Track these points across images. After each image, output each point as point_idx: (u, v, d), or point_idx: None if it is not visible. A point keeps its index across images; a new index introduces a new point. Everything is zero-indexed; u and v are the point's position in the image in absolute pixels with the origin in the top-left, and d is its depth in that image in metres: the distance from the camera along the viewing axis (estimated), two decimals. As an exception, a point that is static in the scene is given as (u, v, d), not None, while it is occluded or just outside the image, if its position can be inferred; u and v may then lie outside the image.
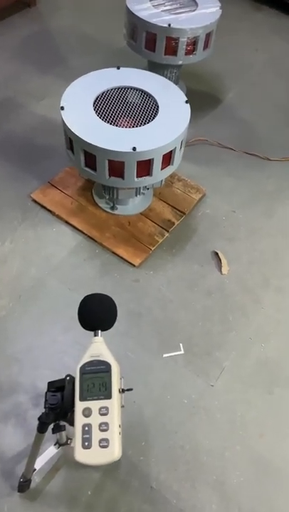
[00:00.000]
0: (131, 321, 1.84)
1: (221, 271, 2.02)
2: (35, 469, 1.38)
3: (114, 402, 0.77)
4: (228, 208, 2.28)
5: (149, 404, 1.60)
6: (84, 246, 2.08)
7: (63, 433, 1.38)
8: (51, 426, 1.11)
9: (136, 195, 2.13)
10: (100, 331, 0.91)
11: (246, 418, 1.63)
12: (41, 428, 1.14)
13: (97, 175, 1.79)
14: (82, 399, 0.78)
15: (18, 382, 1.65)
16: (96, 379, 0.80)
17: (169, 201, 2.24)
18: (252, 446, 1.57)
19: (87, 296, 0.96)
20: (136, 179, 1.78)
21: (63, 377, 0.95)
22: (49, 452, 1.42)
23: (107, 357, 0.84)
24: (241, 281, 2.01)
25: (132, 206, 2.19)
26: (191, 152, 2.46)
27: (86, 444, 0.73)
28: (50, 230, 2.12)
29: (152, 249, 2.06)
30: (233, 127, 2.69)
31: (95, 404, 0.77)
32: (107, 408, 0.76)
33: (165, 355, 1.75)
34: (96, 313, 0.94)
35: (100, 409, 0.76)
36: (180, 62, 2.39)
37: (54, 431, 1.17)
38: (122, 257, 2.03)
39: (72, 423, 1.12)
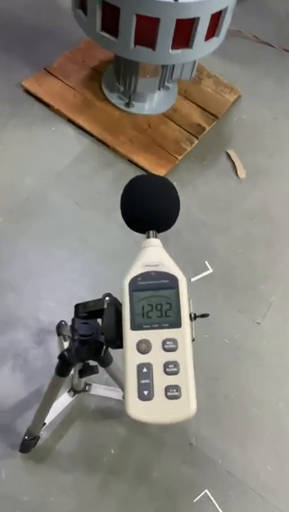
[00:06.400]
0: (155, 245, 1.47)
1: (237, 175, 1.64)
2: (44, 424, 1.05)
3: (186, 332, 0.52)
4: (269, 115, 1.86)
5: (181, 345, 1.28)
6: (93, 152, 1.64)
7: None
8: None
9: (159, 89, 1.67)
10: (155, 232, 0.59)
11: (300, 362, 1.34)
12: (62, 369, 0.81)
13: (118, 42, 1.32)
14: (135, 327, 0.52)
15: (16, 315, 1.28)
16: (156, 299, 0.54)
17: (198, 101, 1.79)
18: (309, 395, 1.28)
19: (140, 177, 0.61)
20: (171, 51, 1.32)
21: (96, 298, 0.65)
22: (62, 401, 1.09)
23: (171, 267, 0.55)
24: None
25: (153, 104, 1.73)
26: (222, 45, 1.97)
27: (145, 393, 0.50)
28: (48, 129, 1.66)
29: (179, 158, 1.64)
30: (270, 20, 2.19)
31: (156, 336, 0.52)
32: (175, 341, 0.52)
33: (193, 279, 1.40)
34: (155, 202, 0.59)
35: (164, 342, 0.52)
36: None
37: (82, 374, 0.83)
38: (141, 167, 1.61)
39: (105, 363, 0.81)
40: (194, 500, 1.09)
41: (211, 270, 1.45)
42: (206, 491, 1.10)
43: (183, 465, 1.13)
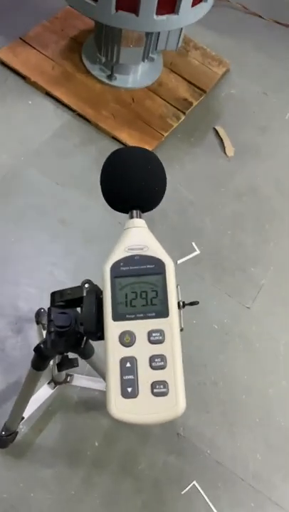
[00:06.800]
0: (140, 227, 1.39)
1: (225, 153, 1.57)
2: (23, 418, 0.98)
3: (174, 322, 0.47)
4: (258, 90, 1.77)
5: (168, 331, 1.22)
6: (73, 127, 1.54)
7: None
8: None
9: (143, 60, 1.57)
10: (139, 211, 0.53)
11: (290, 347, 1.30)
12: (39, 363, 0.74)
13: (98, 7, 1.22)
14: (118, 318, 0.47)
15: (-9, 303, 1.20)
16: (141, 285, 0.48)
17: (185, 74, 1.70)
18: (299, 380, 1.25)
19: (121, 149, 0.55)
20: (155, 17, 1.22)
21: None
22: (42, 394, 1.02)
23: (157, 251, 0.49)
24: (278, 181, 1.58)
25: (137, 77, 1.63)
26: (210, 16, 1.86)
27: (129, 390, 0.45)
28: (24, 102, 1.55)
29: (165, 135, 1.55)
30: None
31: (140, 326, 0.47)
32: (161, 332, 0.47)
33: (179, 261, 1.34)
34: (137, 175, 0.53)
35: (149, 333, 0.47)
36: None
37: (61, 368, 0.76)
38: (125, 144, 1.52)
39: (86, 355, 0.75)
40: (182, 492, 1.05)
41: (198, 252, 1.39)
42: (195, 482, 1.05)
43: (170, 456, 1.09)
